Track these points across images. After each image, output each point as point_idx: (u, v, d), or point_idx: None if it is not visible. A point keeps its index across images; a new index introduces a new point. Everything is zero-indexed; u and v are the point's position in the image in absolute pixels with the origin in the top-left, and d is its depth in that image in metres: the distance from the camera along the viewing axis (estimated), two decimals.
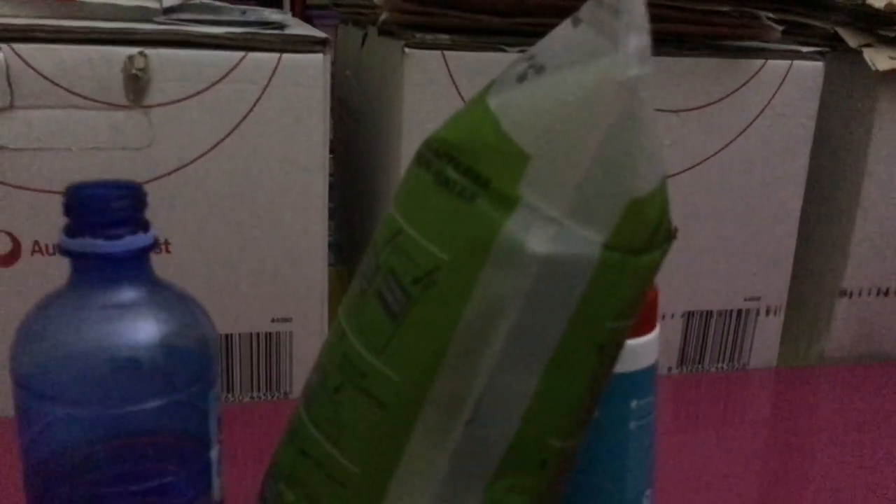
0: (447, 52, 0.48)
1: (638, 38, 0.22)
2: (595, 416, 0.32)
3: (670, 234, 0.26)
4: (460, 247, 0.24)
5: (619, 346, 0.27)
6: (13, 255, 0.45)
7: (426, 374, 0.25)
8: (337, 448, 0.27)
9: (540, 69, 0.24)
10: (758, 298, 0.59)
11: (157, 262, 0.47)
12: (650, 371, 0.33)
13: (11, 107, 0.43)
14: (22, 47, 0.43)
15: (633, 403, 0.32)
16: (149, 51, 0.44)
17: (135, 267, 0.28)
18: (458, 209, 0.24)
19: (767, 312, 0.59)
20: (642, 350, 0.32)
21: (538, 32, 0.27)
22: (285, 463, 0.29)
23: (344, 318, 0.28)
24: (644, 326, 0.33)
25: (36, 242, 0.45)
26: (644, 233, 0.24)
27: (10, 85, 0.43)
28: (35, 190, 0.44)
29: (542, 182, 0.23)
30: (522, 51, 0.48)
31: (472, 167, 0.24)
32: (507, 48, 0.49)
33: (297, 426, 0.29)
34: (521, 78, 0.25)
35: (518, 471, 0.26)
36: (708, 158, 0.55)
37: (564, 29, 0.26)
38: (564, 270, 0.24)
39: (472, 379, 0.25)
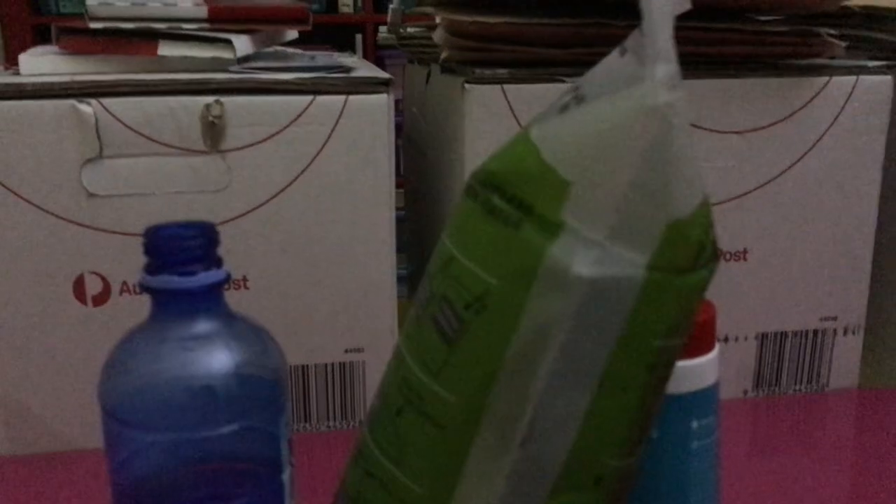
0: (506, 86, 0.50)
1: (665, 66, 0.23)
2: (656, 437, 0.32)
3: (716, 254, 0.26)
4: (508, 272, 0.26)
5: (670, 364, 0.27)
6: (104, 296, 0.48)
7: (480, 395, 0.26)
8: (399, 469, 0.28)
9: (580, 99, 0.25)
10: (834, 318, 0.57)
11: (235, 297, 0.50)
12: (710, 391, 0.33)
13: (100, 157, 0.47)
14: (109, 101, 0.46)
15: (694, 424, 0.33)
16: (224, 98, 0.47)
17: (209, 301, 0.30)
18: (505, 236, 0.26)
19: (846, 332, 0.58)
20: (701, 370, 0.33)
21: (595, 62, 0.27)
22: (352, 483, 0.31)
23: (402, 344, 0.29)
24: (702, 347, 0.33)
25: (124, 283, 0.48)
26: (687, 253, 0.25)
27: (99, 137, 0.46)
28: (123, 234, 0.48)
29: (583, 207, 0.24)
30: None
31: (517, 195, 0.25)
32: (566, 79, 0.50)
33: (362, 448, 0.31)
34: (563, 109, 0.26)
35: (574, 489, 0.27)
36: (775, 178, 0.54)
37: (612, 58, 0.27)
38: (610, 292, 0.25)
39: (525, 399, 0.26)
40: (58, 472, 0.48)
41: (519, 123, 0.50)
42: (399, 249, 0.53)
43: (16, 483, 0.47)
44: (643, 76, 0.24)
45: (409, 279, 0.79)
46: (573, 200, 0.24)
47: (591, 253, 0.25)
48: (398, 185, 0.56)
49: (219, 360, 0.30)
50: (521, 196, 0.25)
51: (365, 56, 1.94)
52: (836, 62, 0.55)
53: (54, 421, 0.50)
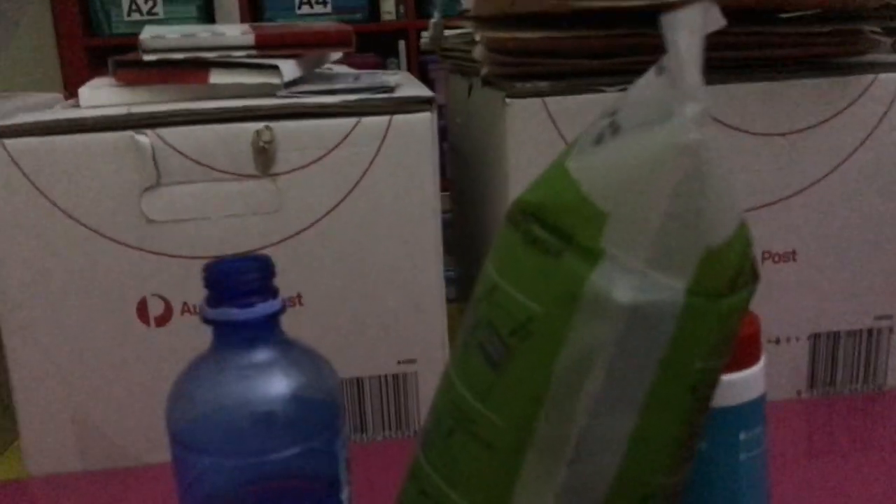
0: (547, 98, 0.50)
1: (694, 104, 0.23)
2: (704, 450, 0.33)
3: (755, 276, 0.27)
4: (551, 299, 0.26)
5: (713, 384, 0.28)
6: (166, 316, 0.50)
7: (527, 418, 0.27)
8: (453, 489, 0.29)
9: (616, 130, 0.26)
10: (889, 317, 0.57)
11: (291, 314, 0.51)
12: (758, 403, 0.33)
13: (158, 185, 0.49)
14: (164, 131, 0.48)
15: (742, 436, 0.33)
16: (273, 124, 0.49)
17: (267, 330, 0.32)
18: (547, 264, 0.26)
19: None
20: (747, 383, 0.33)
21: (635, 70, 0.28)
22: (409, 501, 0.32)
23: (451, 368, 0.30)
24: (748, 359, 0.33)
25: (185, 304, 0.50)
26: (725, 277, 0.25)
27: (156, 165, 0.48)
28: (182, 257, 0.50)
29: (621, 237, 0.25)
30: (622, 89, 0.50)
31: (557, 225, 0.26)
32: (606, 88, 0.51)
33: (416, 467, 0.32)
34: (599, 139, 0.26)
35: None
36: (822, 178, 0.54)
37: (648, 79, 0.27)
38: (650, 317, 0.25)
39: (571, 422, 0.27)
40: (128, 487, 0.50)
41: (561, 135, 0.51)
42: (448, 252, 0.54)
43: (89, 498, 0.49)
44: (674, 108, 0.24)
45: (458, 281, 0.80)
46: (611, 230, 0.25)
47: (631, 280, 0.25)
48: (445, 188, 0.57)
49: (277, 386, 0.31)
50: (562, 226, 0.26)
51: (408, 62, 1.96)
52: (881, 59, 0.54)
53: (123, 437, 0.52)
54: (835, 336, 0.57)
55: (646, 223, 0.25)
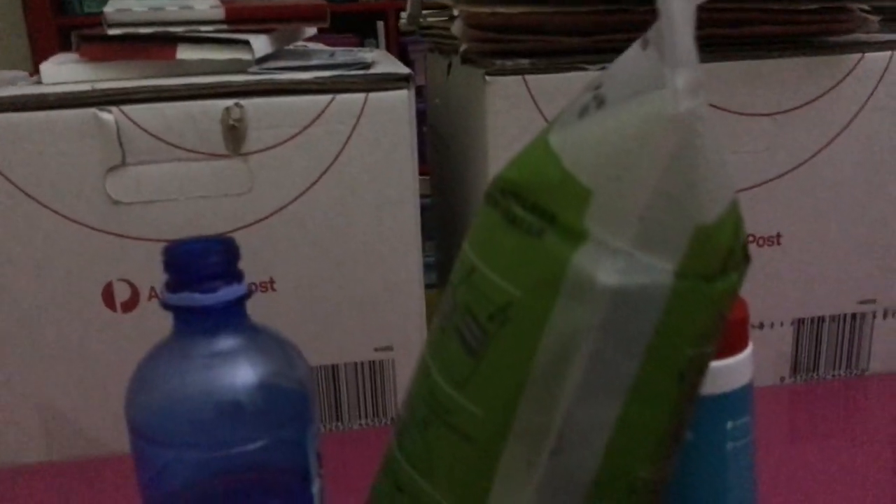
0: (528, 76, 0.49)
1: (686, 72, 0.22)
2: (690, 440, 0.32)
3: (747, 257, 0.25)
4: (531, 282, 0.25)
5: (702, 372, 0.26)
6: (132, 302, 0.48)
7: (507, 407, 0.26)
8: (429, 482, 0.28)
9: (601, 102, 0.25)
10: (873, 301, 0.56)
11: (263, 299, 0.50)
12: (745, 390, 0.32)
13: (123, 164, 0.47)
14: (129, 108, 0.46)
15: (729, 424, 0.32)
16: (244, 101, 0.47)
17: (231, 316, 0.30)
18: (527, 245, 0.25)
19: (885, 315, 0.56)
20: (735, 370, 0.32)
21: (618, 49, 0.26)
22: (383, 496, 0.31)
23: (427, 355, 0.29)
24: (735, 346, 0.32)
25: (152, 289, 0.48)
26: (716, 258, 0.24)
27: (121, 144, 0.46)
28: (148, 240, 0.48)
29: (606, 215, 0.24)
30: (603, 68, 0.49)
31: (538, 204, 0.25)
32: (588, 66, 0.49)
33: (391, 460, 0.30)
34: (583, 112, 0.25)
35: (606, 499, 0.26)
36: (808, 159, 0.53)
37: (633, 52, 0.26)
38: (637, 301, 0.24)
39: (553, 411, 0.25)
40: (96, 477, 0.49)
41: (542, 114, 0.49)
42: (428, 237, 0.52)
43: (57, 489, 0.48)
44: (664, 78, 0.23)
45: (438, 267, 0.78)
46: (596, 208, 0.24)
47: (617, 261, 0.24)
48: (424, 172, 0.55)
49: (243, 375, 0.30)
50: (543, 204, 0.25)
51: (387, 43, 1.93)
52: (869, 37, 0.53)
53: (91, 426, 0.50)
54: (819, 321, 0.56)
55: (633, 200, 0.23)
